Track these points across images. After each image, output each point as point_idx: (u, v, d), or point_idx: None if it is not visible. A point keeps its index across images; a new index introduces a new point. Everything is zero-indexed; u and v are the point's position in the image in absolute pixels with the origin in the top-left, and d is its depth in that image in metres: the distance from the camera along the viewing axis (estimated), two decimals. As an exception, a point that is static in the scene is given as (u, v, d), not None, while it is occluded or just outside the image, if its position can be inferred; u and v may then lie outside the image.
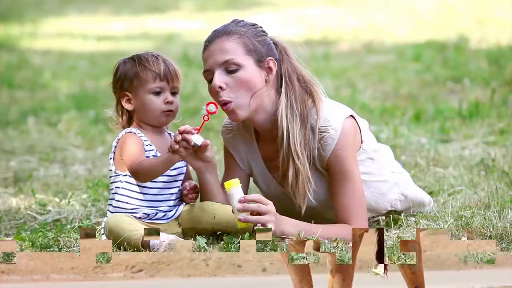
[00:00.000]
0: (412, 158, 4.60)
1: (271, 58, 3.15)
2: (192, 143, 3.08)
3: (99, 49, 10.50)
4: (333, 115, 3.13)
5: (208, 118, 3.12)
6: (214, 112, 3.12)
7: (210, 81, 3.15)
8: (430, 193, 3.82)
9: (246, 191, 3.37)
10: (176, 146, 3.07)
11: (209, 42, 3.15)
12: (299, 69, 3.21)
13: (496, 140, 4.99)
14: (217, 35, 3.13)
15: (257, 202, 3.00)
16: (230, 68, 3.10)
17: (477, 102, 5.85)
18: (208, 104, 3.12)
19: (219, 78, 3.10)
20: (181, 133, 3.07)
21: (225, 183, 3.05)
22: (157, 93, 3.26)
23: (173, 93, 3.29)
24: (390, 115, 6.01)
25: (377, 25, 11.62)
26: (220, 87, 3.10)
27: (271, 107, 3.17)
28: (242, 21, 3.20)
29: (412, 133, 5.30)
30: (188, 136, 3.07)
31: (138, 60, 3.28)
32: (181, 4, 15.69)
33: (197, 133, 3.11)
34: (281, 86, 3.18)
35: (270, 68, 3.15)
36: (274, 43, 3.21)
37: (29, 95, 7.48)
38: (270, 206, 3.00)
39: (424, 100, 6.53)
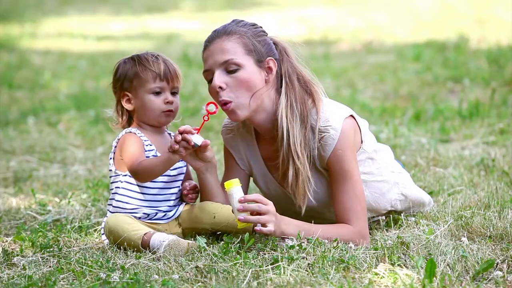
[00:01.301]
0: (412, 158, 4.60)
1: (271, 58, 3.15)
2: (192, 143, 3.08)
3: (99, 49, 10.50)
4: (333, 115, 3.13)
5: (208, 118, 3.12)
6: (214, 112, 3.12)
7: (210, 81, 3.14)
8: (430, 193, 3.82)
9: (246, 191, 3.37)
10: (176, 146, 3.07)
11: (209, 42, 3.14)
12: (299, 69, 3.21)
13: (496, 140, 4.99)
14: (217, 35, 3.13)
15: (257, 202, 2.99)
16: (230, 68, 3.10)
17: (477, 102, 5.85)
18: (208, 104, 3.12)
19: (219, 78, 3.10)
20: (181, 133, 3.07)
21: (225, 183, 3.05)
22: (157, 93, 3.26)
23: (173, 93, 3.28)
24: (390, 115, 6.01)
25: (377, 25, 11.63)
26: (220, 87, 3.09)
27: (271, 107, 3.17)
28: (242, 21, 3.20)
29: (412, 133, 5.30)
30: (188, 136, 3.07)
31: (138, 60, 3.27)
32: (181, 4, 15.70)
33: (197, 133, 3.11)
34: (281, 86, 3.18)
35: (270, 68, 3.15)
36: (274, 43, 3.21)
37: (29, 95, 7.48)
38: (270, 206, 3.00)
39: (424, 100, 6.53)
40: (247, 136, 3.33)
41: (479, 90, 6.74)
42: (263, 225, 2.98)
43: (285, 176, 3.18)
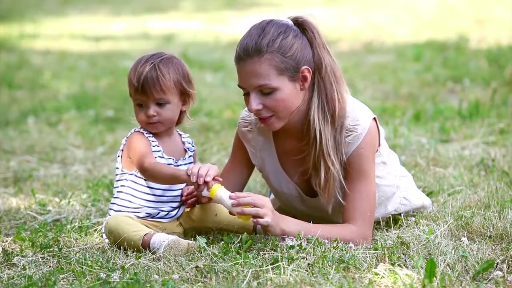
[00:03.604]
0: (412, 158, 4.60)
1: (306, 67, 3.10)
2: (201, 192, 3.08)
3: (99, 49, 10.50)
4: (362, 115, 3.16)
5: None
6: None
7: (244, 93, 3.13)
8: (430, 193, 3.83)
9: (243, 186, 3.39)
10: (194, 179, 3.02)
11: (240, 60, 3.08)
12: (328, 60, 3.15)
13: (496, 140, 4.98)
14: (249, 54, 3.06)
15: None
16: (266, 91, 3.08)
17: (477, 102, 5.85)
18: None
19: (256, 101, 3.08)
20: (205, 182, 3.02)
21: (209, 194, 3.04)
22: (140, 105, 3.22)
23: (160, 104, 3.22)
24: (390, 115, 6.01)
25: (377, 25, 11.63)
26: (258, 109, 3.09)
27: (302, 106, 3.16)
28: (274, 25, 3.10)
29: (412, 133, 5.29)
30: (202, 187, 3.04)
31: (133, 67, 3.22)
32: (181, 4, 15.69)
33: (209, 190, 3.07)
34: (312, 83, 3.15)
35: (305, 77, 3.11)
36: (303, 28, 3.13)
37: (29, 95, 7.47)
38: (265, 201, 3.01)
39: (424, 100, 6.53)
40: (264, 130, 3.32)
41: (479, 90, 6.73)
42: (259, 216, 2.98)
43: (304, 174, 3.19)
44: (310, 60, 3.11)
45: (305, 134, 3.16)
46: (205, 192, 3.06)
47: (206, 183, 3.03)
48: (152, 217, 3.24)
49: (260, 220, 2.98)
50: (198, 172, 3.02)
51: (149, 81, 3.17)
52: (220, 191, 3.03)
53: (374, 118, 3.20)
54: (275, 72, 3.05)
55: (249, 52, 3.06)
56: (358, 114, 3.15)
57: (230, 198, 3.01)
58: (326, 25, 11.67)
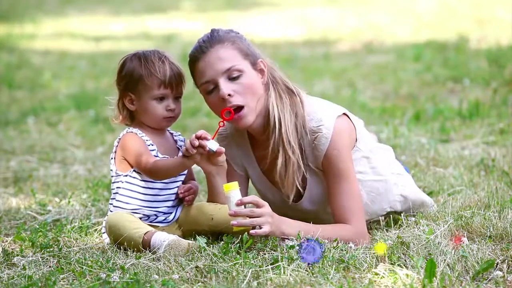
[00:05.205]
0: (412, 158, 4.60)
1: (261, 60, 3.15)
2: (207, 149, 3.08)
3: (99, 49, 10.50)
4: (325, 115, 3.13)
5: (224, 124, 3.10)
6: (230, 119, 3.09)
7: (209, 92, 3.12)
8: (430, 193, 3.83)
9: (245, 194, 3.37)
10: (194, 151, 3.06)
11: (201, 53, 3.10)
12: (275, 68, 3.22)
13: (496, 140, 4.98)
14: (210, 45, 3.09)
15: (253, 203, 3.00)
16: (233, 75, 3.08)
17: (477, 102, 5.85)
18: (224, 110, 3.09)
19: (226, 85, 3.07)
20: (198, 138, 3.06)
21: (224, 185, 3.05)
22: (161, 99, 3.24)
23: (176, 98, 3.27)
24: (390, 115, 6.01)
25: (377, 25, 11.62)
26: (229, 95, 3.08)
27: (263, 106, 3.16)
28: (221, 29, 3.17)
29: (412, 133, 5.29)
30: (204, 142, 3.06)
31: (144, 62, 3.23)
32: (181, 4, 15.69)
33: (212, 138, 3.10)
34: (267, 83, 3.17)
35: (262, 70, 3.15)
36: None
37: (29, 95, 7.48)
38: (264, 208, 3.00)
39: (424, 100, 6.53)
40: (241, 141, 3.31)
41: (479, 90, 6.73)
42: (258, 227, 2.98)
43: (273, 165, 3.16)
44: (263, 59, 3.16)
45: (266, 128, 3.14)
46: (210, 145, 3.06)
47: (199, 138, 3.05)
48: (150, 221, 3.24)
49: (258, 231, 2.97)
50: (189, 142, 3.06)
51: (175, 74, 3.24)
52: (233, 192, 3.02)
53: (345, 114, 3.18)
54: (240, 55, 3.09)
55: (210, 43, 3.10)
56: (320, 115, 3.13)
57: (236, 204, 3.01)
58: (326, 25, 11.68)
